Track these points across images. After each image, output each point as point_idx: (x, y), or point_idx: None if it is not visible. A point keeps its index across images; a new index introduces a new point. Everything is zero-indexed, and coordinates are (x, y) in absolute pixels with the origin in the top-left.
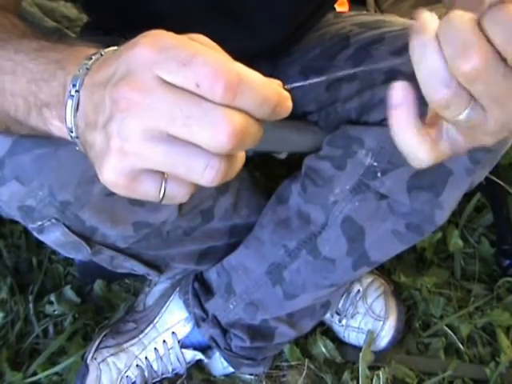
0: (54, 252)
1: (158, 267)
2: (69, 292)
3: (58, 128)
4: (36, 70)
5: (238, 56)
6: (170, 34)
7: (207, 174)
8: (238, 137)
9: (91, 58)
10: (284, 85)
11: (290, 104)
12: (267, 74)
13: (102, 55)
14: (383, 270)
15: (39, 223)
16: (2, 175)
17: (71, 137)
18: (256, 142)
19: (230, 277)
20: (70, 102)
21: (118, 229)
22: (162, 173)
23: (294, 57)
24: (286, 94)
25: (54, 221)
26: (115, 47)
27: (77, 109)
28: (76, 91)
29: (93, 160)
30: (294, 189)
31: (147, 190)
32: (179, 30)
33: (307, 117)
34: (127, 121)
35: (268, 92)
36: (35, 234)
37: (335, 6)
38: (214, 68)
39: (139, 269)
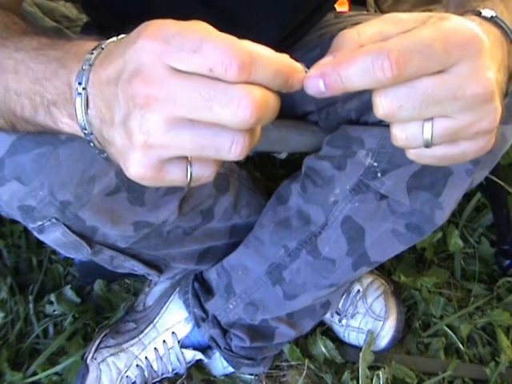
0: (54, 252)
1: (158, 267)
2: (69, 292)
3: (68, 126)
4: (37, 68)
5: None
6: (171, 22)
7: (234, 150)
8: (259, 109)
9: (92, 53)
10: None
11: (302, 76)
12: None
13: (102, 49)
14: (383, 270)
15: (39, 223)
16: (2, 175)
17: (85, 134)
18: (275, 114)
19: (229, 277)
20: (78, 99)
21: (118, 228)
22: (186, 158)
23: (293, 57)
24: (299, 65)
25: (54, 221)
26: (114, 38)
27: (87, 106)
28: (83, 88)
29: (114, 156)
30: (293, 189)
31: (175, 177)
32: None
33: (307, 117)
34: (147, 116)
35: (280, 64)
36: (35, 233)
37: (335, 5)
38: (224, 50)
39: (139, 269)
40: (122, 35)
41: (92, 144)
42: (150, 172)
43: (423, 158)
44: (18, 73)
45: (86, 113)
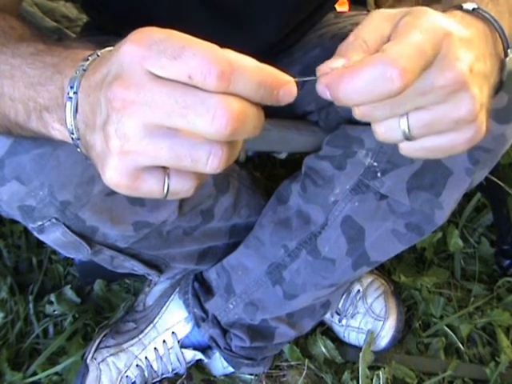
0: (54, 252)
1: (158, 267)
2: (69, 292)
3: (59, 131)
4: (33, 74)
5: None
6: (158, 29)
7: (211, 162)
8: (236, 120)
9: (88, 60)
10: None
11: (293, 88)
12: None
13: (98, 56)
14: (383, 270)
15: (39, 223)
16: (2, 175)
17: (72, 139)
18: (257, 126)
19: (229, 277)
20: (68, 104)
21: (118, 228)
22: (164, 169)
23: (294, 57)
24: (287, 78)
25: (54, 221)
26: (111, 47)
27: (76, 111)
28: (74, 93)
29: (94, 161)
30: (294, 189)
31: (151, 188)
32: (178, 30)
33: (307, 117)
34: (124, 120)
35: (263, 75)
36: (35, 233)
37: (335, 5)
38: (204, 58)
39: (139, 269)
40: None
41: (79, 149)
42: (126, 179)
43: (414, 152)
44: (14, 78)
45: (75, 117)
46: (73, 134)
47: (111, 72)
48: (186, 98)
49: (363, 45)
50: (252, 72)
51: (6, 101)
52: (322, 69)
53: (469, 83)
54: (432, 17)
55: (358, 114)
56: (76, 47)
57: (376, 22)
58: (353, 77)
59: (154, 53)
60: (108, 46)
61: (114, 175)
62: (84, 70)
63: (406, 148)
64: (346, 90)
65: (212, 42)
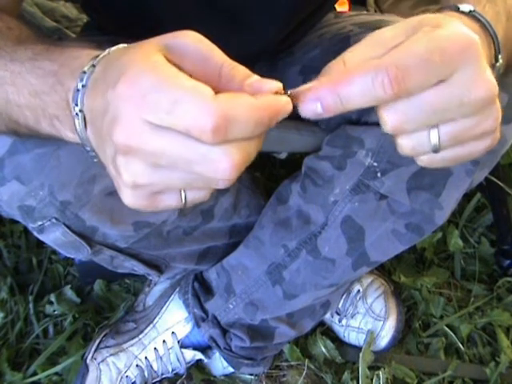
0: (54, 252)
1: (158, 267)
2: (69, 292)
3: (72, 138)
4: (35, 82)
5: (237, 57)
6: (150, 73)
7: (222, 184)
8: (239, 168)
9: (85, 72)
10: (285, 89)
11: (288, 108)
12: (267, 74)
13: (94, 66)
14: (383, 270)
15: (39, 223)
16: (2, 175)
17: (87, 150)
18: (258, 151)
19: (229, 277)
20: (76, 120)
21: (118, 228)
22: None
23: (294, 57)
24: (283, 101)
25: (54, 220)
26: (106, 52)
27: (85, 126)
28: (80, 110)
29: (111, 175)
30: (293, 189)
31: (169, 204)
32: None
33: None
34: (131, 161)
35: (258, 116)
36: (35, 233)
37: (335, 5)
38: (197, 115)
39: (139, 269)
40: (114, 48)
41: (95, 159)
42: (144, 203)
43: (434, 163)
44: (17, 85)
45: (85, 131)
46: (87, 146)
47: (110, 111)
48: (187, 151)
49: (341, 66)
50: (247, 117)
51: (12, 107)
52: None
53: (496, 95)
54: (451, 27)
55: (390, 128)
56: (72, 48)
57: (366, 43)
58: (346, 84)
59: (149, 105)
60: (106, 47)
61: (132, 201)
62: (84, 86)
63: (426, 159)
64: (340, 99)
65: (212, 42)
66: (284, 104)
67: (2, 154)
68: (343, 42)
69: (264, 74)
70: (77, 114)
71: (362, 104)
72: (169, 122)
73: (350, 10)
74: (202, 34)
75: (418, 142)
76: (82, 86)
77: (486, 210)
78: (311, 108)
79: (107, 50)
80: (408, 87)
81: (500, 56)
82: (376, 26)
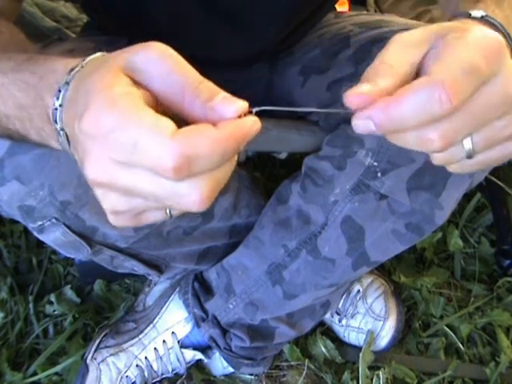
0: (54, 252)
1: (158, 267)
2: (69, 292)
3: (60, 149)
4: (18, 94)
5: (237, 57)
6: (110, 110)
7: (198, 208)
8: (210, 197)
9: (60, 91)
10: (250, 106)
11: (256, 127)
12: (267, 74)
13: (67, 83)
14: (383, 270)
15: (39, 223)
16: (2, 175)
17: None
18: (230, 172)
19: (229, 277)
20: (59, 136)
21: (118, 229)
22: None
23: (294, 57)
24: (248, 124)
25: (54, 220)
26: (79, 66)
27: (69, 143)
28: (61, 129)
29: None
30: (293, 189)
31: (155, 219)
32: (177, 32)
33: (307, 117)
34: (106, 193)
35: (222, 148)
36: (35, 233)
37: (335, 5)
38: (157, 156)
39: (139, 269)
40: (88, 59)
41: None
42: (129, 222)
43: (466, 168)
44: (2, 96)
45: (69, 147)
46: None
47: (80, 144)
48: (154, 189)
49: (390, 69)
50: (210, 152)
51: (3, 118)
52: (351, 95)
53: None
54: (480, 31)
55: (439, 146)
56: (52, 59)
57: (400, 46)
58: (399, 103)
59: (112, 145)
60: (110, 46)
61: (117, 223)
62: (61, 106)
63: (458, 166)
64: (393, 118)
65: (212, 42)
66: (250, 127)
67: (1, 154)
68: (343, 41)
69: (264, 74)
70: (59, 131)
71: (417, 122)
72: (133, 160)
73: (350, 9)
74: (202, 35)
75: (453, 151)
76: (60, 105)
77: (486, 209)
78: (365, 124)
79: (80, 64)
80: (462, 98)
81: None
82: (376, 26)
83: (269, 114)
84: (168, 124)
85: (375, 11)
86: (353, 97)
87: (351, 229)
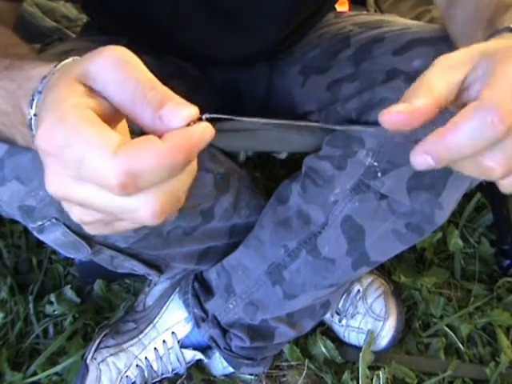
0: (54, 252)
1: (158, 267)
2: (69, 292)
3: None
4: (1, 101)
5: (238, 57)
6: (60, 126)
7: (150, 222)
8: (162, 211)
9: (33, 99)
10: (201, 112)
11: (209, 134)
12: (267, 74)
13: (40, 92)
14: (383, 270)
15: (39, 223)
16: (2, 175)
17: None
18: (190, 183)
19: (229, 277)
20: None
21: None
22: None
23: (294, 57)
24: (199, 132)
25: (54, 220)
26: (51, 74)
27: None
28: None
29: None
30: (294, 189)
31: (127, 227)
32: (177, 31)
33: (307, 117)
34: (70, 206)
35: (171, 160)
36: (35, 233)
37: (335, 5)
38: (101, 173)
39: (139, 269)
40: (60, 65)
41: None
42: (103, 231)
43: None
44: None
45: None
46: None
47: (41, 155)
48: (106, 204)
49: (428, 89)
50: (156, 166)
51: None
52: (386, 113)
53: None
54: None
55: (500, 173)
56: (30, 65)
57: (442, 67)
58: (453, 132)
59: (63, 161)
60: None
61: (92, 232)
62: (35, 115)
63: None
64: (449, 148)
65: (212, 42)
66: (200, 135)
67: (1, 154)
68: (343, 41)
69: (264, 73)
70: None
71: (472, 150)
72: (82, 176)
73: (350, 9)
74: (202, 35)
75: None
76: (34, 114)
77: (486, 209)
78: (423, 162)
79: (52, 71)
80: None
81: None
82: (376, 26)
83: (271, 115)
84: (112, 139)
85: (375, 11)
86: (387, 116)
87: (351, 229)
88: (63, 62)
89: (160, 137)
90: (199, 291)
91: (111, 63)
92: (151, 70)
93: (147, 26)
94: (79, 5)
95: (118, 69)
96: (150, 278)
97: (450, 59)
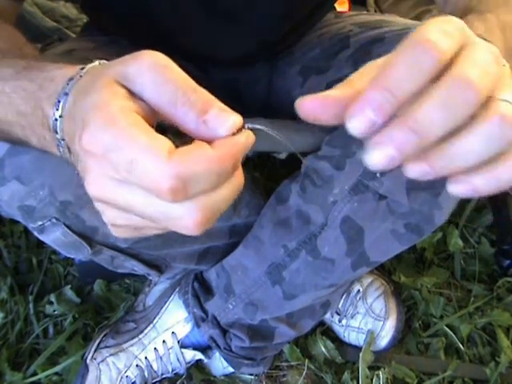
0: (54, 252)
1: (158, 267)
2: (69, 292)
3: (61, 156)
4: (19, 102)
5: (238, 57)
6: (108, 128)
7: (190, 232)
8: (203, 223)
9: (60, 101)
10: (244, 123)
11: (251, 142)
12: (267, 74)
13: (66, 94)
14: (383, 270)
15: (40, 223)
16: (2, 175)
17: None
18: (229, 202)
19: (229, 277)
20: (60, 147)
21: None
22: None
23: (294, 57)
24: (243, 140)
25: (54, 220)
26: (77, 76)
27: (69, 151)
28: (62, 139)
29: None
30: (293, 189)
31: (155, 232)
32: (177, 31)
33: None
34: (106, 208)
35: (220, 167)
36: (36, 233)
37: (335, 5)
38: (153, 177)
39: (140, 269)
40: (87, 68)
41: None
42: (130, 234)
43: None
44: (3, 104)
45: (70, 157)
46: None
47: (80, 161)
48: (149, 210)
49: (348, 83)
50: (207, 172)
51: (4, 124)
52: (302, 101)
53: None
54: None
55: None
56: (50, 66)
57: (365, 67)
58: (390, 69)
59: (110, 163)
60: (110, 46)
61: (117, 234)
62: (61, 117)
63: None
64: (392, 89)
65: (212, 41)
66: (245, 143)
67: (2, 154)
68: (343, 41)
69: (264, 74)
70: (60, 141)
71: (415, 84)
72: (130, 179)
73: (350, 9)
74: (202, 34)
75: None
76: (60, 115)
77: (485, 209)
78: (383, 155)
79: (79, 73)
80: None
81: None
82: (376, 26)
83: (271, 115)
84: (165, 144)
85: (375, 11)
86: (302, 103)
87: (350, 229)
88: (90, 65)
89: (201, 139)
90: (199, 291)
91: (150, 66)
92: None
93: (147, 25)
94: (79, 5)
95: (157, 71)
96: (150, 277)
97: (378, 61)
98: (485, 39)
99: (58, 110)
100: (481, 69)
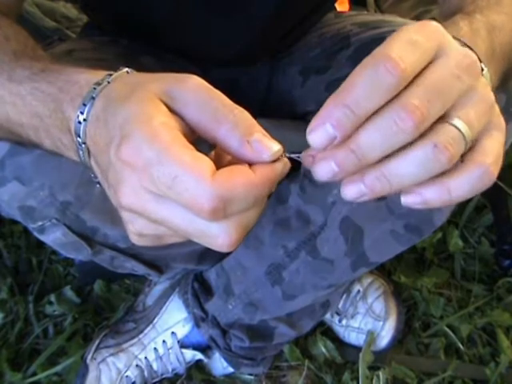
0: (54, 252)
1: (158, 267)
2: (69, 292)
3: (76, 160)
4: (35, 103)
5: (238, 57)
6: (151, 143)
7: (224, 250)
8: (238, 241)
9: (85, 105)
10: (284, 151)
11: (286, 170)
12: (267, 74)
13: (93, 98)
14: (383, 270)
15: (40, 223)
16: (2, 175)
17: (93, 177)
18: (256, 220)
19: (228, 277)
20: (80, 150)
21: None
22: None
23: (294, 56)
24: (281, 168)
25: (54, 221)
26: (106, 82)
27: (89, 154)
28: (83, 143)
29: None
30: (293, 189)
31: (176, 240)
32: (177, 29)
33: (307, 117)
34: (135, 218)
35: (259, 191)
36: (36, 234)
37: (335, 5)
38: (195, 196)
39: (140, 269)
40: (113, 76)
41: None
42: (151, 243)
43: None
44: (17, 105)
45: (89, 160)
46: (92, 174)
47: (115, 171)
48: (185, 225)
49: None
50: (246, 195)
51: (15, 126)
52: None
53: None
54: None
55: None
56: (70, 69)
57: None
58: (349, 89)
59: (151, 177)
60: (110, 46)
61: (139, 243)
62: (85, 120)
63: None
64: (350, 106)
65: (212, 40)
66: (282, 171)
67: (2, 154)
68: (343, 41)
69: (264, 73)
70: (80, 144)
71: (373, 102)
72: (169, 195)
73: (350, 9)
74: (202, 33)
75: None
76: (84, 119)
77: (485, 209)
78: (326, 169)
79: (106, 79)
80: None
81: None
82: (376, 26)
83: (271, 115)
84: (208, 163)
85: (375, 11)
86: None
87: (350, 229)
88: (118, 73)
89: (240, 159)
90: (199, 291)
91: (195, 85)
92: (151, 70)
93: (147, 25)
94: (79, 5)
95: (201, 91)
96: (150, 278)
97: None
98: (464, 42)
99: (82, 113)
100: (434, 92)
